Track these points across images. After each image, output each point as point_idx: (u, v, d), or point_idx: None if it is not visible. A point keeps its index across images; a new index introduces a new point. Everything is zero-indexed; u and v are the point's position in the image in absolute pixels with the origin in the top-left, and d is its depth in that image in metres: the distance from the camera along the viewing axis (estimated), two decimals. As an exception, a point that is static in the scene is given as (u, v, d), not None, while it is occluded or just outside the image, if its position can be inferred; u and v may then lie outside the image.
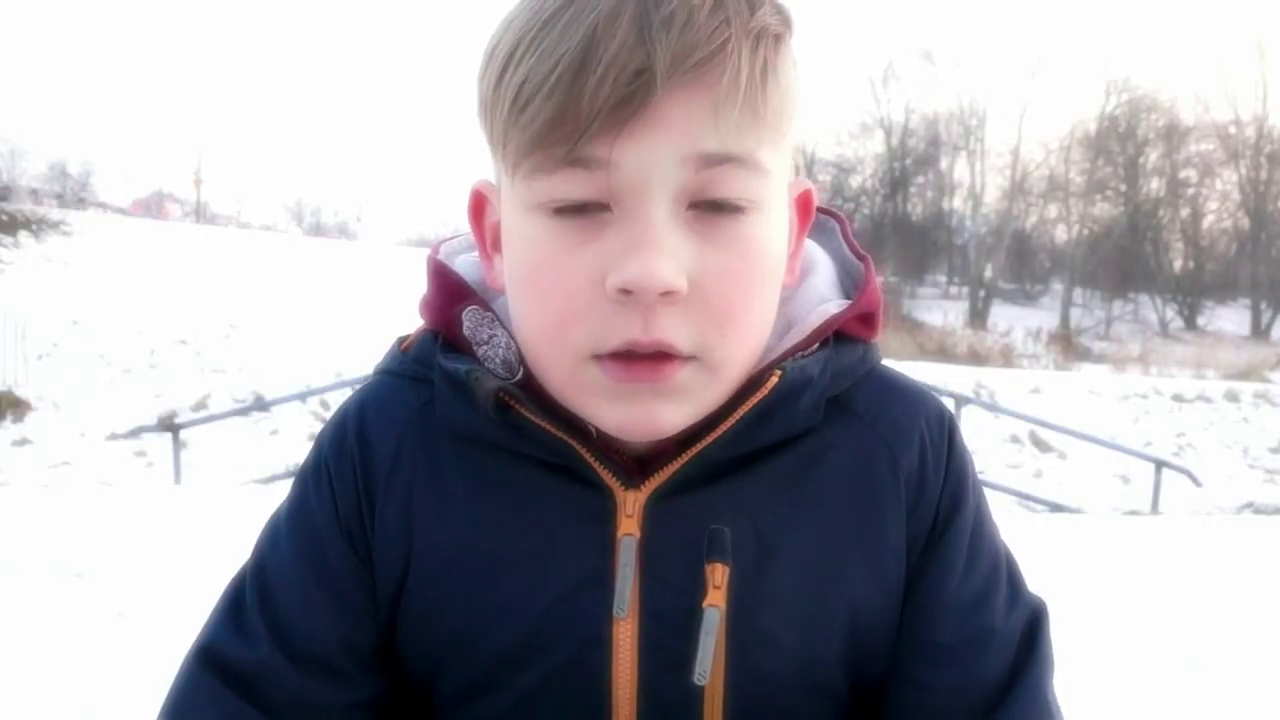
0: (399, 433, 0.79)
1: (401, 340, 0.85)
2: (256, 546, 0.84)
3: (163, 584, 3.34)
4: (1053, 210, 44.38)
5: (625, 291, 0.65)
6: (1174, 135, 42.12)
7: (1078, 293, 41.01)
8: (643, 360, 0.67)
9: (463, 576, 0.76)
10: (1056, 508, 8.47)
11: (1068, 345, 31.87)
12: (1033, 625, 0.80)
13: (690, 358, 0.68)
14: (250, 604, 0.79)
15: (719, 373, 0.70)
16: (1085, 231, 42.10)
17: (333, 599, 0.77)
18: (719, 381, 0.71)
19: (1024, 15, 73.07)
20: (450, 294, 0.80)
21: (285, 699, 0.76)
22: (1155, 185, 43.56)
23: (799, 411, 0.74)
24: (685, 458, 0.73)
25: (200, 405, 14.53)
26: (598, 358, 0.68)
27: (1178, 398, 17.50)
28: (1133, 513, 9.74)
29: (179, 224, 45.36)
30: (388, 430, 0.79)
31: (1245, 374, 22.58)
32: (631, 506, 0.73)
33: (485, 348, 0.77)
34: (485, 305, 0.78)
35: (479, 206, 0.79)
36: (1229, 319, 39.81)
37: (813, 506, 0.76)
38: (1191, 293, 41.10)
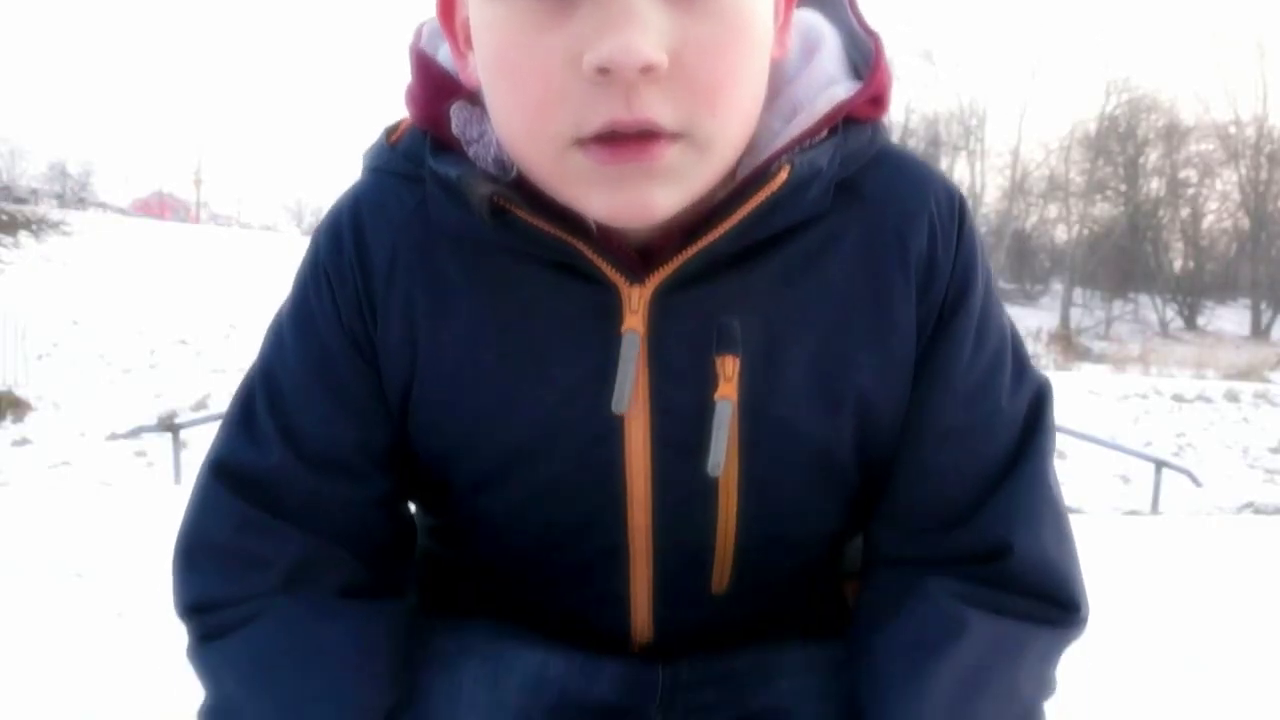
0: (395, 236, 0.77)
1: (389, 131, 0.81)
2: (261, 352, 0.83)
3: (163, 584, 3.33)
4: (1053, 210, 44.44)
5: (603, 70, 0.61)
6: (1174, 135, 42.14)
7: (1078, 293, 40.99)
8: (628, 141, 0.64)
9: (469, 377, 0.76)
10: (1056, 508, 8.45)
11: (1068, 345, 31.85)
12: (1036, 404, 0.83)
13: (677, 135, 0.65)
14: (260, 410, 0.79)
15: (709, 151, 0.67)
16: (1085, 231, 42.12)
17: (341, 400, 0.78)
18: (709, 160, 0.68)
19: (1024, 15, 73.08)
20: (435, 87, 0.75)
21: (301, 501, 0.77)
22: (1155, 185, 43.60)
23: (807, 202, 0.72)
24: (690, 252, 0.72)
25: (200, 405, 14.52)
26: (581, 143, 0.65)
27: (1178, 398, 17.49)
28: (1133, 513, 9.73)
29: (180, 225, 45.35)
30: (384, 233, 0.77)
31: (1245, 374, 22.57)
32: (636, 302, 0.72)
33: (476, 146, 0.74)
34: (473, 99, 0.74)
35: (448, 4, 0.74)
36: (1229, 319, 39.81)
37: (821, 296, 0.75)
38: (1191, 293, 41.10)
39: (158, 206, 51.62)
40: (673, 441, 0.75)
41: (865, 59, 0.77)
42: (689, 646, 0.85)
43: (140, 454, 12.10)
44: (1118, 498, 12.27)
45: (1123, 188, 42.37)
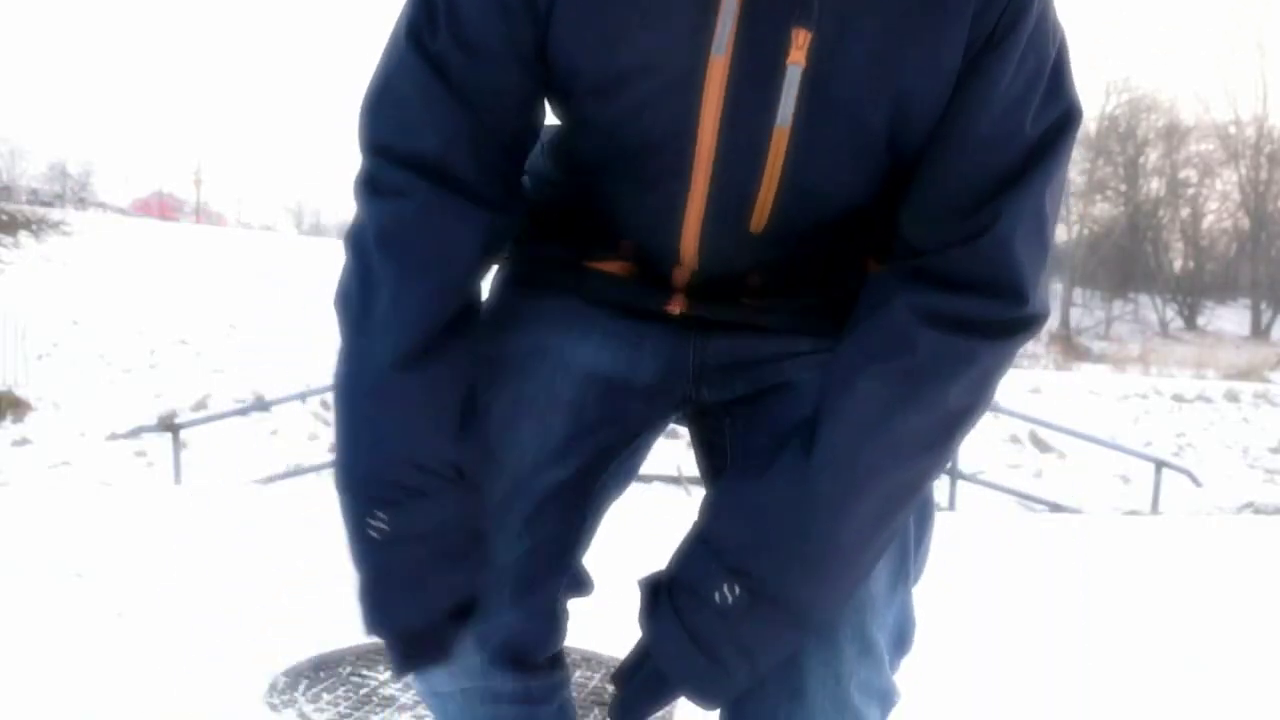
0: None
1: None
2: None
3: (163, 584, 3.34)
4: (1053, 210, 44.36)
5: None
6: (1174, 135, 42.16)
7: (1078, 293, 40.98)
8: None
9: (598, 11, 0.91)
10: (1056, 508, 8.47)
11: (1068, 345, 31.86)
12: (1057, 127, 0.91)
13: None
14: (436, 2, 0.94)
15: None
16: (1085, 231, 42.10)
17: (501, 7, 0.92)
18: None
19: (1024, 15, 72.75)
20: None
21: (462, 78, 0.93)
22: (1155, 185, 43.60)
23: None
24: None
25: (200, 405, 14.52)
26: None
27: (1178, 398, 17.50)
28: (1133, 513, 9.73)
29: (179, 225, 45.30)
30: None
31: (1245, 374, 22.58)
32: None
33: None
34: None
35: None
36: (1229, 319, 39.81)
37: (888, 1, 0.87)
38: (1191, 293, 41.10)
39: (157, 206, 51.58)
40: (745, 91, 0.89)
41: None
42: (721, 320, 1.03)
43: (140, 454, 12.10)
44: (1118, 498, 12.27)
45: (1123, 188, 42.43)
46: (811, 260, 1.03)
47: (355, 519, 0.95)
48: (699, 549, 0.93)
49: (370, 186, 0.96)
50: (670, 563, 0.96)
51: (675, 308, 1.03)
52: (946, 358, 0.90)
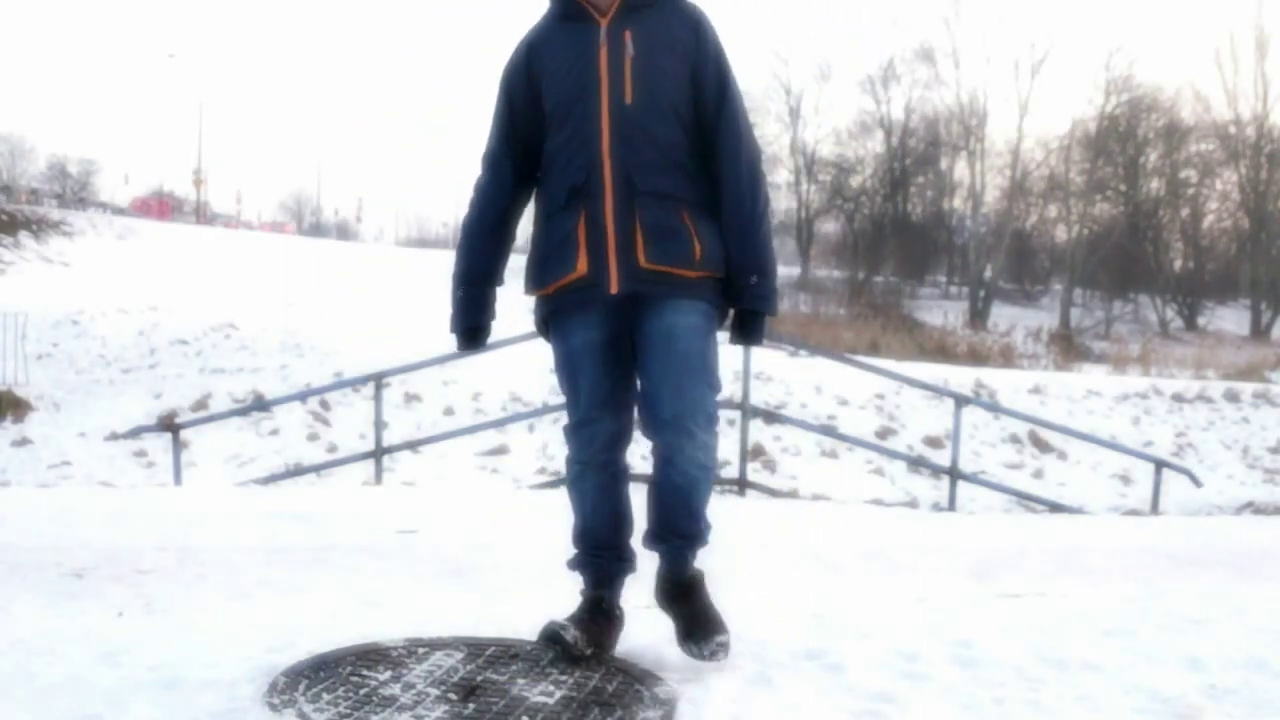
0: (529, 41, 2.45)
1: None
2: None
3: (162, 584, 3.34)
4: (1053, 210, 44.30)
5: None
6: (1174, 135, 42.05)
7: (1078, 293, 40.94)
8: None
9: (551, 72, 2.38)
10: (1056, 508, 8.45)
11: (1068, 345, 31.84)
12: (728, 85, 2.44)
13: None
14: (496, 113, 2.50)
15: None
16: (1085, 231, 42.01)
17: (526, 93, 2.43)
18: None
19: (1025, 15, 73.05)
20: None
21: (518, 132, 2.44)
22: (1155, 185, 43.46)
23: None
24: (617, 6, 2.37)
25: (200, 405, 14.51)
26: None
27: (1178, 398, 17.49)
28: (1133, 513, 9.73)
29: (177, 225, 45.25)
30: (521, 45, 2.46)
31: (1245, 374, 22.56)
32: (603, 28, 2.36)
33: None
34: None
35: None
36: (1229, 319, 39.78)
37: (659, 33, 2.36)
38: (1191, 293, 41.04)
39: (157, 206, 51.52)
40: (614, 83, 2.33)
41: None
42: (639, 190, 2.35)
43: (140, 454, 12.10)
44: (1118, 498, 12.28)
45: (1123, 188, 42.22)
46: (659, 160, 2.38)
47: (455, 290, 2.51)
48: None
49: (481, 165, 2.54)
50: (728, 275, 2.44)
51: (613, 288, 2.35)
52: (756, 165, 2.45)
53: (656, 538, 2.45)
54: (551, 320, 2.45)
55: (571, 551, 2.52)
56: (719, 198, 2.37)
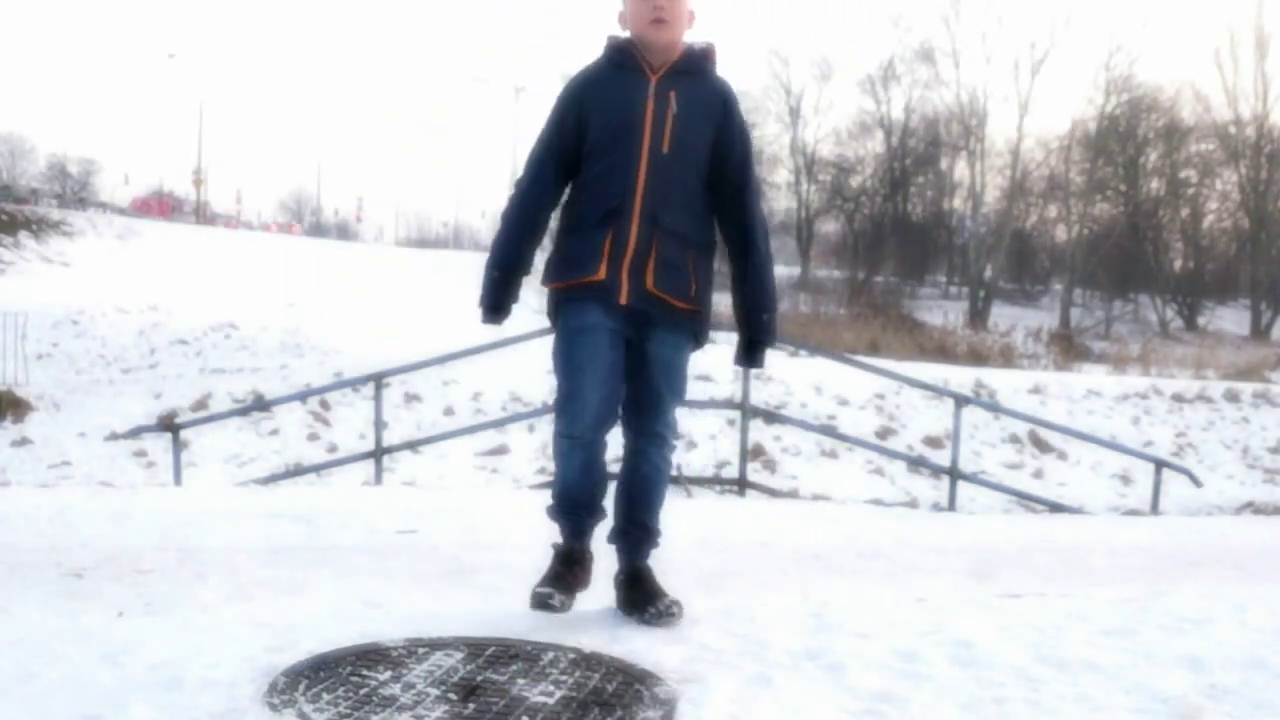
0: (586, 77, 2.83)
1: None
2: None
3: (162, 584, 3.34)
4: (1053, 210, 44.26)
5: (657, 8, 2.72)
6: (1174, 135, 42.01)
7: (1078, 293, 40.91)
8: (661, 17, 2.74)
9: (600, 109, 2.76)
10: (1056, 508, 8.45)
11: (1068, 345, 31.82)
12: (750, 164, 2.91)
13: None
14: (542, 134, 2.85)
15: (675, 28, 2.77)
16: (1085, 231, 41.97)
17: (572, 127, 2.78)
18: (676, 32, 2.77)
19: (1025, 15, 73.01)
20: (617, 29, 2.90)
21: (555, 155, 2.81)
22: (1155, 185, 43.42)
23: (696, 59, 2.82)
24: (667, 67, 2.76)
25: (200, 405, 14.51)
26: (651, 20, 2.74)
27: (1178, 398, 17.48)
28: (1133, 513, 9.73)
29: (177, 225, 45.22)
30: (578, 80, 2.83)
31: (1245, 374, 22.55)
32: (653, 81, 2.75)
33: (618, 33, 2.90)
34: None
35: None
36: (1229, 319, 39.77)
37: (701, 97, 2.78)
38: (1191, 293, 41.01)
39: (157, 206, 51.47)
40: (656, 132, 2.72)
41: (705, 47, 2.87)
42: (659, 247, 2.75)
43: (140, 454, 12.10)
44: (1117, 498, 12.29)
45: (1123, 188, 42.20)
46: (686, 205, 2.78)
47: (490, 271, 2.84)
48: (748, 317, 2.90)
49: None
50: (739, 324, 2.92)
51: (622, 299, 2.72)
52: (764, 237, 2.92)
53: (621, 532, 2.83)
54: (563, 304, 2.77)
55: (549, 502, 2.89)
56: (739, 249, 2.87)
